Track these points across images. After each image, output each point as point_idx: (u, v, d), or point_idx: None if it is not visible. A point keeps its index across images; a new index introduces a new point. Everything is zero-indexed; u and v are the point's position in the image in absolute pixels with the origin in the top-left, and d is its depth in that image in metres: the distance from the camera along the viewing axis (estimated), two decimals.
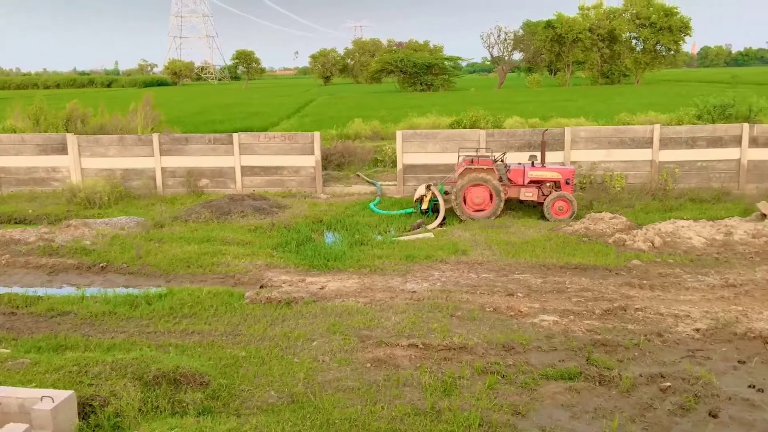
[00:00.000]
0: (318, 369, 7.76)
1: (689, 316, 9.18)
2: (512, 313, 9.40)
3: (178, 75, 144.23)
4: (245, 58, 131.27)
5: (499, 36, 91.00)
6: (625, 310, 9.44)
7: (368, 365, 7.85)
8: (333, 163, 22.60)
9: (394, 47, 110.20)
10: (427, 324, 9.02)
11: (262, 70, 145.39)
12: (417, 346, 8.29)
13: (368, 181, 20.39)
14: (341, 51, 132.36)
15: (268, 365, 7.85)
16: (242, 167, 19.22)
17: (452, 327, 8.92)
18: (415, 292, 10.43)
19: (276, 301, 10.02)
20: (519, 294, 10.28)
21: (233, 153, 19.17)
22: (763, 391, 7.04)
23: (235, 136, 19.40)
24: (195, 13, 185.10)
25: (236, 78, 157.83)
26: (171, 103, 55.93)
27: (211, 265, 12.25)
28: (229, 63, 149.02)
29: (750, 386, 7.16)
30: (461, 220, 15.41)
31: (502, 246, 13.13)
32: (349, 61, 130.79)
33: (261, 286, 10.86)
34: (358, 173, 21.82)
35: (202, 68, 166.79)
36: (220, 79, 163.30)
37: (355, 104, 54.41)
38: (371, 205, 17.16)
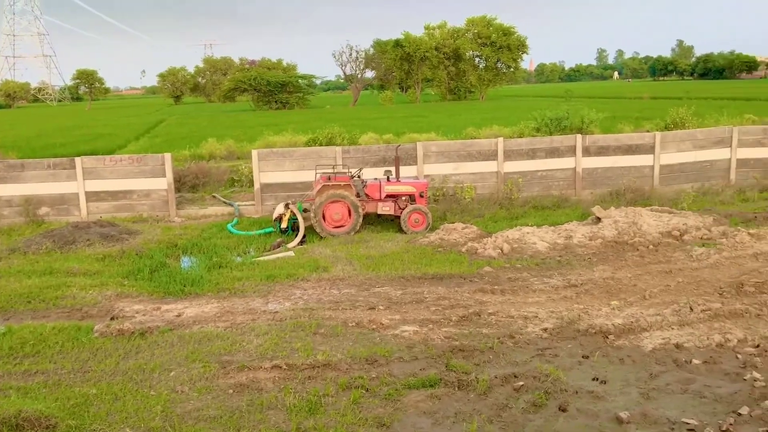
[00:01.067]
0: (177, 400, 7.42)
1: (537, 316, 9.75)
2: (374, 326, 9.52)
3: (13, 97, 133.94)
4: (87, 77, 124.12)
5: (350, 54, 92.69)
6: (480, 316, 9.86)
7: (230, 391, 7.62)
8: (187, 185, 21.88)
9: (247, 65, 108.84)
10: (291, 344, 8.92)
11: (107, 90, 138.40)
12: (281, 367, 8.17)
13: (225, 202, 19.92)
14: (191, 69, 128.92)
15: (122, 401, 7.41)
16: (87, 193, 18.10)
17: (316, 345, 8.88)
18: (277, 312, 10.29)
19: (129, 333, 9.49)
20: (380, 307, 10.43)
21: (76, 178, 18.01)
22: (605, 383, 7.59)
23: (78, 159, 18.24)
24: (29, 31, 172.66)
25: (78, 99, 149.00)
26: (5, 127, 51.75)
27: (54, 298, 11.40)
28: (70, 83, 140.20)
29: (594, 379, 7.70)
30: (321, 237, 15.43)
31: (363, 260, 13.28)
32: (200, 79, 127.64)
33: (112, 318, 10.25)
34: (214, 194, 21.26)
35: (40, 89, 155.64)
36: (59, 101, 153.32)
37: (208, 124, 53.10)
38: (229, 226, 16.77)
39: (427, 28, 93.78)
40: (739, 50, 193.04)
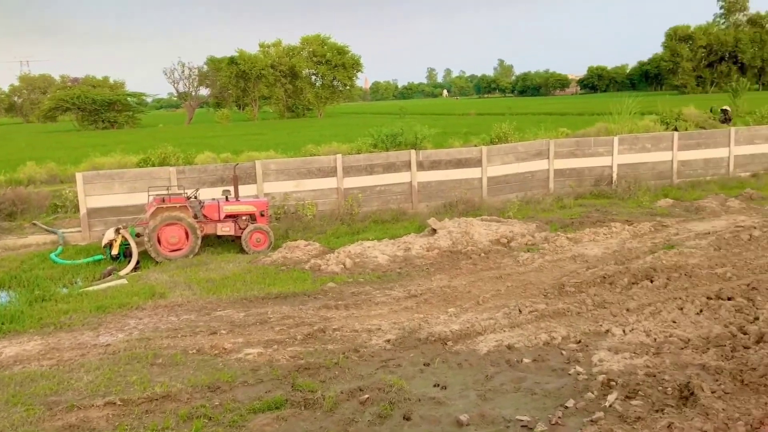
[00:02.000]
0: None
1: (380, 329, 9.92)
2: (216, 352, 9.20)
3: None
4: None
5: (183, 72, 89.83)
6: (325, 332, 9.86)
7: None
8: (3, 213, 19.99)
9: (69, 83, 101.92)
10: (125, 377, 8.38)
11: None
12: (115, 403, 7.64)
13: (47, 230, 18.41)
14: (6, 88, 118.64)
15: None
16: None
17: (153, 376, 8.41)
18: (109, 345, 9.64)
19: None
20: (222, 331, 10.12)
21: None
22: (446, 388, 7.86)
23: None
24: None
25: None
26: None
27: None
28: None
29: (435, 385, 7.95)
30: (157, 262, 14.72)
31: (203, 284, 12.83)
32: (16, 99, 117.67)
33: None
34: (34, 222, 19.58)
35: None
36: None
37: (26, 145, 49.09)
38: (53, 255, 15.51)
39: (261, 45, 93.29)
40: (553, 69, 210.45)
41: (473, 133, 36.94)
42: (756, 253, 13.21)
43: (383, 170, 19.72)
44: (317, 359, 8.80)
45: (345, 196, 19.17)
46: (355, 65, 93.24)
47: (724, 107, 38.97)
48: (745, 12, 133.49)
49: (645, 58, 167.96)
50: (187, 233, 15.06)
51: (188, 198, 15.52)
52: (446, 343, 9.26)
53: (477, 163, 20.63)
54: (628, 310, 10.27)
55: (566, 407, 7.20)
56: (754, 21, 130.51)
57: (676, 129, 27.31)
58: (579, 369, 8.20)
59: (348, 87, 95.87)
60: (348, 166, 19.36)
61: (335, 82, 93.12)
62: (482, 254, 14.25)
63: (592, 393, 7.44)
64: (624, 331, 9.42)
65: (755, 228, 15.03)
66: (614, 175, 22.06)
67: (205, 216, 15.61)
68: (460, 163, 20.48)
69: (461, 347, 9.12)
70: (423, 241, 15.01)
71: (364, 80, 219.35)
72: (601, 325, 9.67)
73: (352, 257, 14.07)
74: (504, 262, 13.64)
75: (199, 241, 15.15)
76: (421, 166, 20.06)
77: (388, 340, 9.43)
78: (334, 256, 14.16)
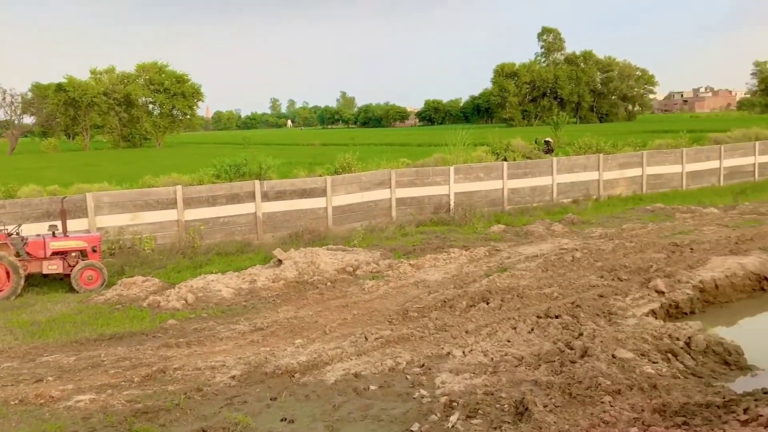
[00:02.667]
0: None
1: (225, 365, 9.60)
2: (42, 401, 8.43)
3: None
4: None
5: (4, 98, 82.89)
6: (165, 372, 9.37)
7: None
8: None
9: None
10: None
11: None
12: None
13: None
14: None
15: None
16: None
17: None
18: None
19: None
20: (49, 378, 9.30)
21: None
22: (293, 422, 7.74)
23: None
24: None
25: None
26: None
27: None
28: None
29: (282, 419, 7.80)
30: None
31: (27, 327, 11.75)
32: None
33: None
34: None
35: None
36: None
37: None
38: None
39: (93, 72, 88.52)
40: (393, 102, 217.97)
41: (318, 163, 37.18)
42: (578, 273, 14.34)
43: (227, 201, 19.28)
44: (156, 402, 8.33)
45: (186, 228, 18.49)
46: (196, 94, 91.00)
47: (547, 139, 42.22)
48: (562, 51, 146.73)
49: (476, 93, 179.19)
50: (8, 273, 13.78)
51: (9, 234, 14.24)
52: (293, 376, 9.14)
53: (322, 192, 20.77)
54: (467, 332, 10.72)
55: (412, 431, 7.34)
56: (570, 60, 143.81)
57: (505, 159, 29.15)
58: (423, 392, 8.41)
59: (188, 116, 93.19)
60: (189, 197, 18.73)
61: (175, 111, 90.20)
62: (329, 283, 14.30)
63: (436, 415, 7.66)
64: (464, 352, 9.82)
65: (577, 250, 16.36)
66: (452, 203, 23.12)
67: (28, 254, 14.37)
68: (305, 193, 20.52)
69: (309, 378, 9.04)
70: (269, 273, 14.80)
71: (205, 109, 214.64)
72: (442, 348, 10.02)
73: (195, 292, 13.56)
74: (350, 291, 13.77)
75: (23, 281, 13.92)
76: (266, 197, 19.84)
77: (233, 377, 9.14)
78: (175, 292, 13.57)
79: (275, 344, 10.57)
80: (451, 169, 23.60)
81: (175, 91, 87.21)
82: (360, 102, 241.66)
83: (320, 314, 12.17)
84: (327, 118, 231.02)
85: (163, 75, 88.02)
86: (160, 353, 10.31)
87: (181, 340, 10.89)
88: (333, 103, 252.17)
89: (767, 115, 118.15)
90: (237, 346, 10.59)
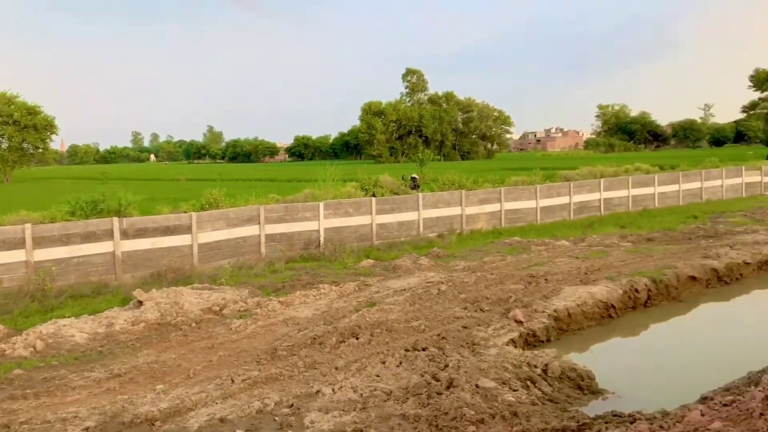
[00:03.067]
0: None
1: (78, 416, 8.93)
2: None
3: None
4: None
5: None
6: (9, 427, 8.57)
7: None
8: None
9: None
10: None
11: None
12: None
13: None
14: None
15: None
16: None
17: None
18: None
19: None
20: None
21: None
22: None
23: None
24: None
25: None
26: None
27: None
28: None
29: None
30: None
31: None
32: None
33: None
34: None
35: None
36: None
37: None
38: None
39: None
40: (262, 137, 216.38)
41: (183, 199, 35.99)
42: (444, 305, 14.75)
43: (82, 240, 18.14)
44: None
45: (36, 269, 17.16)
46: (49, 126, 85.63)
47: (413, 175, 43.51)
48: (425, 92, 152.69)
49: (345, 130, 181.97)
50: None
51: None
52: (154, 424, 8.66)
53: (187, 229, 20.08)
54: (336, 368, 10.68)
55: None
56: (433, 100, 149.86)
57: (374, 195, 29.68)
58: None
59: (41, 150, 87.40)
60: (39, 236, 17.45)
61: (25, 145, 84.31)
62: (194, 324, 13.76)
63: None
64: (333, 389, 9.75)
65: (442, 283, 16.85)
66: (322, 239, 23.13)
67: None
68: (168, 230, 19.74)
69: (170, 426, 8.60)
70: (128, 315, 14.03)
71: (60, 143, 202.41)
72: (312, 386, 9.89)
73: (45, 338, 12.57)
74: (216, 331, 13.33)
75: None
76: (125, 235, 18.88)
77: (87, 428, 8.51)
78: (22, 339, 12.51)
79: (134, 391, 9.98)
80: (321, 204, 23.67)
81: (25, 123, 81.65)
82: (228, 136, 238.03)
83: (184, 357, 11.67)
84: (193, 152, 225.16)
85: (12, 106, 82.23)
86: (4, 406, 9.42)
87: (28, 391, 10.03)
88: (199, 137, 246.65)
89: (611, 154, 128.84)
90: (91, 395, 9.90)
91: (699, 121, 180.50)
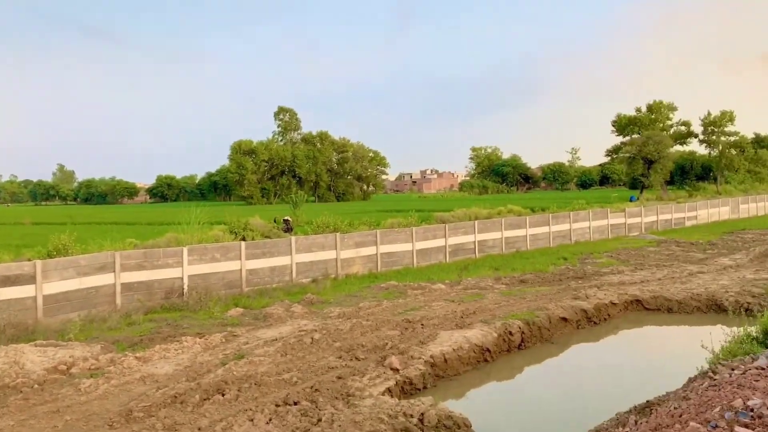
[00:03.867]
0: None
1: None
2: None
3: None
4: None
5: None
6: None
7: None
8: None
9: None
10: None
11: None
12: None
13: None
14: None
15: None
16: None
17: None
18: None
19: None
20: None
21: None
22: None
23: None
24: None
25: None
26: None
27: None
28: None
29: None
30: None
31: None
32: None
33: None
34: None
35: None
36: None
37: None
38: None
39: None
40: (120, 177, 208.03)
41: (27, 246, 33.75)
42: (318, 355, 14.62)
43: None
44: None
45: None
46: None
47: (286, 217, 43.31)
48: (299, 131, 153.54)
49: (213, 169, 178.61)
50: None
51: None
52: None
53: (30, 279, 18.73)
54: (200, 429, 10.25)
55: None
56: (307, 140, 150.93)
57: (243, 239, 29.21)
58: None
59: None
60: None
61: None
62: (36, 386, 12.76)
63: None
64: None
65: (316, 331, 16.72)
66: (185, 287, 22.33)
67: None
68: (8, 281, 18.32)
69: None
70: None
71: None
72: None
73: None
74: (63, 393, 12.42)
75: None
76: None
77: None
78: None
79: None
80: (185, 249, 22.93)
81: None
82: (81, 176, 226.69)
83: (24, 423, 10.76)
84: (41, 193, 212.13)
85: None
86: None
87: None
88: (48, 177, 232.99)
89: (485, 196, 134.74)
90: None
91: (567, 164, 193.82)
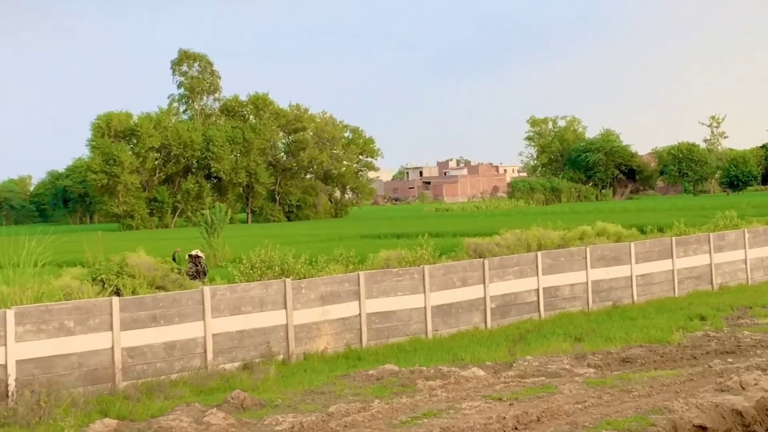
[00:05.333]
0: None
1: None
2: None
3: None
4: None
5: None
6: None
7: None
8: None
9: None
10: None
11: None
12: None
13: None
14: None
15: None
16: None
17: None
18: None
19: None
20: None
21: None
22: None
23: None
24: None
25: None
26: None
27: None
28: None
29: None
30: None
31: None
32: None
33: None
34: None
35: None
36: None
37: None
38: None
39: None
40: None
41: None
42: None
43: None
44: None
45: None
46: None
47: (194, 252, 43.07)
48: (216, 94, 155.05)
49: (62, 168, 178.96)
50: None
51: None
52: None
53: None
54: None
55: None
56: (232, 109, 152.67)
57: (117, 292, 29.00)
58: None
59: None
60: None
61: None
62: None
63: None
64: None
65: None
66: (11, 384, 21.96)
67: None
68: None
69: None
70: None
71: None
72: None
73: None
74: None
75: None
76: None
77: None
78: None
79: None
80: (9, 314, 22.53)
81: None
82: None
83: None
84: None
85: None
86: None
87: None
88: None
89: (555, 206, 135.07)
90: None
91: (703, 145, 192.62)
